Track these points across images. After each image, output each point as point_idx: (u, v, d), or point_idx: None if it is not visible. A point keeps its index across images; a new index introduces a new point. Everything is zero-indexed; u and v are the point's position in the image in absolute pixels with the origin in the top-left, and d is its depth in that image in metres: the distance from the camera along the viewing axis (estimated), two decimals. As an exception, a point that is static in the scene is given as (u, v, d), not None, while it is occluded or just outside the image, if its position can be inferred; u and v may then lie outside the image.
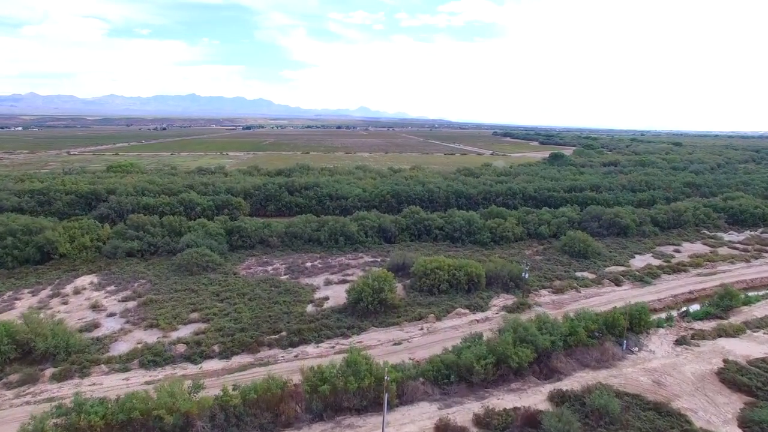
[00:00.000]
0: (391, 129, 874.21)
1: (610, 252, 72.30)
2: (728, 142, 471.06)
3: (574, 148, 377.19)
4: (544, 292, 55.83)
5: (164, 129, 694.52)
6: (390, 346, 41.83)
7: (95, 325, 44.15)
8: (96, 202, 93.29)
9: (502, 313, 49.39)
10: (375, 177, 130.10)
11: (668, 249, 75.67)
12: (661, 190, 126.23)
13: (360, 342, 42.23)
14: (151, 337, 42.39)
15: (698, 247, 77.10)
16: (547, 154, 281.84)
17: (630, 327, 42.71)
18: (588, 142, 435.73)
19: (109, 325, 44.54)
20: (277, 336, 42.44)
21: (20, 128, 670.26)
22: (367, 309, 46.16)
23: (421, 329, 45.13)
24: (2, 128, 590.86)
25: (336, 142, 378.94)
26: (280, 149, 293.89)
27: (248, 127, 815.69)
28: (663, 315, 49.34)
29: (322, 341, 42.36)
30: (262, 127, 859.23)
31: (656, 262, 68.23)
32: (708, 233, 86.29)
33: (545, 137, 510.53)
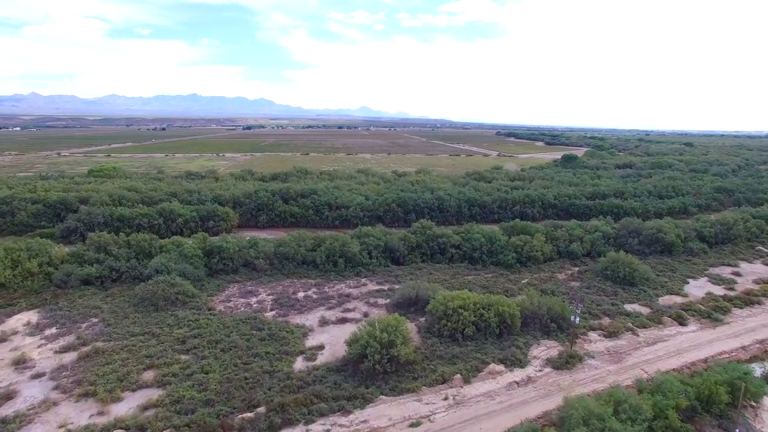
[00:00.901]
0: (392, 129, 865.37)
1: (658, 275, 61.08)
2: (738, 142, 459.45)
3: (581, 148, 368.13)
4: (593, 335, 44.64)
5: (163, 129, 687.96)
6: (406, 429, 30.75)
7: (9, 395, 33.01)
8: (66, 213, 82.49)
9: (548, 370, 38.25)
10: (378, 182, 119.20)
11: (725, 271, 64.41)
12: (691, 197, 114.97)
13: (365, 422, 31.15)
14: (82, 414, 31.37)
15: (761, 269, 65.79)
16: (556, 155, 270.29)
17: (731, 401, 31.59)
18: (595, 142, 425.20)
19: (29, 394, 33.48)
20: (253, 414, 31.33)
21: (18, 128, 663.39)
22: (374, 369, 35.08)
23: (446, 398, 34.02)
24: (0, 128, 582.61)
25: (337, 143, 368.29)
26: (279, 150, 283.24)
27: (248, 127, 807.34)
28: (756, 369, 38.15)
29: (314, 420, 31.24)
30: (263, 127, 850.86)
31: (718, 290, 56.99)
32: (766, 250, 74.91)
33: (550, 137, 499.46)
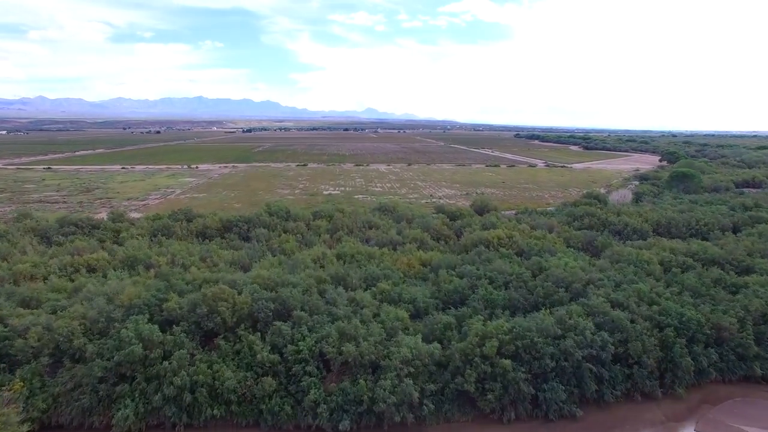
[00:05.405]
0: (401, 131, 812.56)
1: None
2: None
3: (628, 153, 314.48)
4: None
5: (158, 132, 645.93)
6: None
7: None
8: None
9: None
10: (422, 237, 62.31)
11: None
12: None
13: None
14: None
15: None
16: (617, 166, 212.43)
17: None
18: (638, 145, 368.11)
19: None
20: None
21: (4, 132, 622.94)
22: None
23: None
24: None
25: (343, 148, 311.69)
26: (272, 159, 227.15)
27: (249, 130, 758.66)
28: None
29: None
30: (265, 130, 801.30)
31: None
32: None
33: (584, 140, 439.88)
